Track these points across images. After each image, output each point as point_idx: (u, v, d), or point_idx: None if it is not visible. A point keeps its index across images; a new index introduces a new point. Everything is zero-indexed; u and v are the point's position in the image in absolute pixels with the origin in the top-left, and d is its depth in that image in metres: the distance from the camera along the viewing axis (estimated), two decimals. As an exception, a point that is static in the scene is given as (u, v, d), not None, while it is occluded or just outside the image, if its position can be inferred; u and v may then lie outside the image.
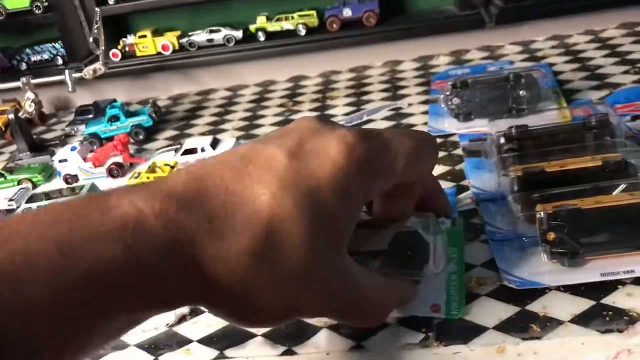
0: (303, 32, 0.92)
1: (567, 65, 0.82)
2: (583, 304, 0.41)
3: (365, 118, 0.77)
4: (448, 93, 0.68)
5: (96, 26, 0.83)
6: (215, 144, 0.71)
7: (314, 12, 0.91)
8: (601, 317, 0.39)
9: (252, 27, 0.94)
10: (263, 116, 0.85)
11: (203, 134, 0.82)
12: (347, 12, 0.90)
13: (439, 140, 0.67)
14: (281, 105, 0.87)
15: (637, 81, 0.73)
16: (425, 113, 0.75)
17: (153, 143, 0.83)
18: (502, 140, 0.56)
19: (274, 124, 0.82)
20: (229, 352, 0.42)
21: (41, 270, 0.27)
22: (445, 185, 0.58)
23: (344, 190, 0.33)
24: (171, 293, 0.31)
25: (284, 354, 0.41)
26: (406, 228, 0.42)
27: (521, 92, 0.67)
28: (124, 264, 0.28)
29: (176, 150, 0.72)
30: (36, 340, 0.27)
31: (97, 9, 0.84)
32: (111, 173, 0.71)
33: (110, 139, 0.79)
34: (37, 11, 0.95)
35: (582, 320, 0.39)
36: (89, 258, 0.28)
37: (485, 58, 0.90)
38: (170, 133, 0.85)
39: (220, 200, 0.31)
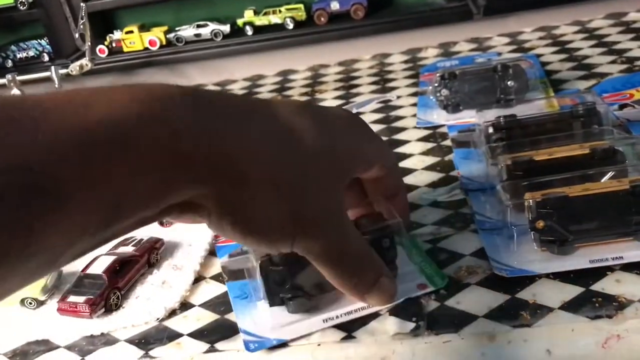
0: (291, 26, 0.91)
1: (554, 55, 0.82)
2: (572, 291, 0.41)
3: (354, 111, 0.77)
4: (436, 84, 0.68)
5: (81, 22, 0.82)
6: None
7: (301, 6, 0.91)
8: (590, 303, 0.39)
9: (240, 21, 0.93)
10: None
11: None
12: (335, 5, 0.90)
13: (428, 132, 0.67)
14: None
15: (623, 70, 0.73)
16: (414, 105, 0.75)
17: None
18: (490, 130, 0.56)
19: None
20: (219, 345, 0.42)
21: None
22: (435, 175, 0.58)
23: (354, 137, 0.40)
24: (186, 175, 0.31)
25: (275, 346, 0.41)
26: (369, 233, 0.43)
27: (509, 83, 0.67)
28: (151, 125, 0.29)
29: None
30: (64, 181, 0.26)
31: (82, 4, 0.84)
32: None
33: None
34: (21, 7, 0.94)
35: (572, 306, 0.39)
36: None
37: (474, 49, 0.91)
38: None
39: (239, 103, 0.36)
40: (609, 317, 0.38)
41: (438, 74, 0.69)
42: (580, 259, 0.43)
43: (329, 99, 0.83)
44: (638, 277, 0.41)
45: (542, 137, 0.53)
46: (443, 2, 0.92)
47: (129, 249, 0.51)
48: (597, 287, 0.41)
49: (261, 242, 0.36)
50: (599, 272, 0.42)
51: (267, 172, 0.33)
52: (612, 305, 0.39)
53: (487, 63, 0.72)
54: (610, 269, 0.42)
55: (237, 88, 0.94)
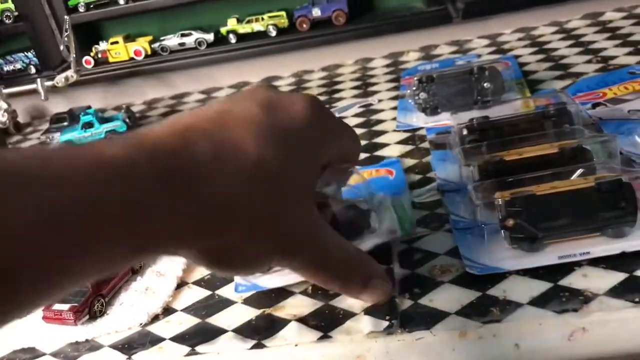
0: (273, 33, 0.92)
1: (532, 56, 0.83)
2: (541, 286, 0.42)
3: (337, 115, 0.78)
4: (414, 88, 0.69)
5: (66, 34, 0.83)
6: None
7: (283, 13, 0.92)
8: (558, 298, 0.41)
9: (223, 30, 0.94)
10: (236, 117, 0.86)
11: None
12: (316, 12, 0.91)
13: (407, 135, 0.69)
14: (254, 106, 0.88)
15: (598, 70, 0.74)
16: (395, 108, 0.76)
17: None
18: (464, 132, 0.57)
19: (247, 125, 0.82)
20: (199, 348, 0.43)
21: (28, 198, 0.26)
22: (413, 177, 0.59)
23: (313, 138, 0.37)
24: (159, 233, 0.31)
25: (253, 347, 0.43)
26: (341, 203, 0.44)
27: (485, 84, 0.68)
28: (114, 199, 0.29)
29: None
30: (14, 271, 0.26)
31: (66, 16, 0.85)
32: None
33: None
34: (7, 21, 0.95)
35: (540, 301, 0.41)
36: (79, 190, 0.28)
37: (454, 52, 0.92)
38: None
39: (206, 147, 0.32)
40: (575, 310, 0.39)
41: (416, 78, 0.70)
42: (549, 256, 0.44)
43: (312, 105, 0.84)
44: (604, 271, 0.42)
45: (514, 137, 0.55)
46: (423, 7, 0.93)
47: (112, 257, 0.52)
48: (564, 282, 0.42)
49: (239, 273, 0.40)
50: (567, 268, 0.43)
51: (241, 217, 0.33)
52: (578, 300, 0.40)
53: (465, 66, 0.73)
54: (578, 264, 0.43)
55: (223, 95, 0.96)
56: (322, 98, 0.85)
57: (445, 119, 0.68)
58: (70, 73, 0.86)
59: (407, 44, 0.95)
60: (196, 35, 0.94)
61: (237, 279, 0.47)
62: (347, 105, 0.81)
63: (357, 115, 0.78)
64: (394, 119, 0.73)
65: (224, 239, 0.33)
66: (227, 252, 0.34)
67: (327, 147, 0.39)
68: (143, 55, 0.95)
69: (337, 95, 0.85)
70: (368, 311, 0.43)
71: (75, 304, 0.47)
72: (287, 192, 0.35)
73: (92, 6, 0.94)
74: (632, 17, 0.88)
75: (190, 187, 0.31)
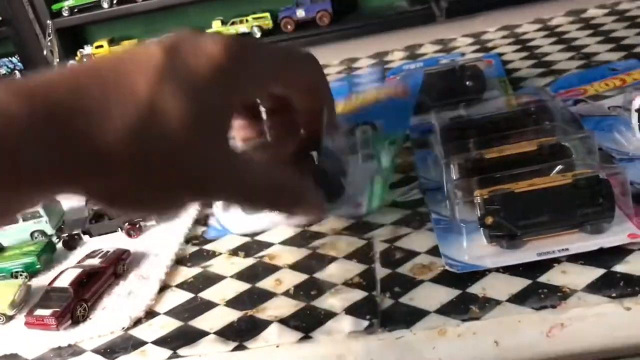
0: (258, 34, 0.93)
1: (515, 54, 0.84)
2: (520, 283, 0.42)
3: (320, 116, 0.78)
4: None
5: (49, 38, 0.83)
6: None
7: (267, 14, 0.92)
8: (536, 294, 0.41)
9: (208, 32, 0.95)
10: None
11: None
12: (301, 13, 0.91)
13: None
14: (239, 108, 0.88)
15: (581, 66, 0.75)
16: (379, 108, 0.77)
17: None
18: (445, 131, 0.57)
19: (232, 127, 0.83)
20: (181, 351, 0.43)
21: None
22: (396, 176, 0.59)
23: (221, 82, 0.34)
24: (37, 170, 0.30)
25: (235, 349, 0.43)
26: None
27: (467, 83, 0.68)
28: None
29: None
30: None
31: (48, 21, 0.85)
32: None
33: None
34: (-9, 26, 0.95)
35: (519, 298, 0.41)
36: None
37: (438, 51, 0.92)
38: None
39: (95, 90, 0.31)
40: (553, 307, 0.40)
41: (398, 77, 0.70)
42: (528, 252, 0.44)
43: (297, 105, 0.84)
44: (582, 267, 0.42)
45: (494, 135, 0.55)
46: (407, 6, 0.93)
47: (95, 261, 0.52)
48: (543, 278, 0.42)
49: (143, 215, 0.37)
50: (546, 264, 0.43)
51: (125, 161, 0.31)
52: (556, 296, 0.40)
53: (448, 65, 0.73)
54: (557, 260, 0.43)
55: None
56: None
57: (428, 118, 0.68)
58: (54, 77, 0.86)
59: (392, 44, 0.96)
60: (181, 37, 0.94)
61: (211, 223, 0.46)
62: (332, 106, 0.81)
63: (341, 115, 0.78)
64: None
65: (109, 181, 0.32)
66: (117, 194, 0.33)
67: (247, 84, 0.36)
68: (128, 59, 0.95)
69: (322, 96, 0.85)
70: (349, 311, 0.43)
71: (57, 309, 0.47)
72: (186, 135, 0.32)
73: (76, 10, 0.94)
74: (614, 13, 0.88)
75: (69, 125, 0.30)
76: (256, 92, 0.39)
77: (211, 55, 0.34)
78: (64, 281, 0.49)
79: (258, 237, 0.55)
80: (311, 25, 0.92)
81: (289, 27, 0.92)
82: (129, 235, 0.58)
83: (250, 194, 0.37)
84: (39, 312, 0.48)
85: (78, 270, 0.50)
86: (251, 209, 0.41)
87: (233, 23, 0.93)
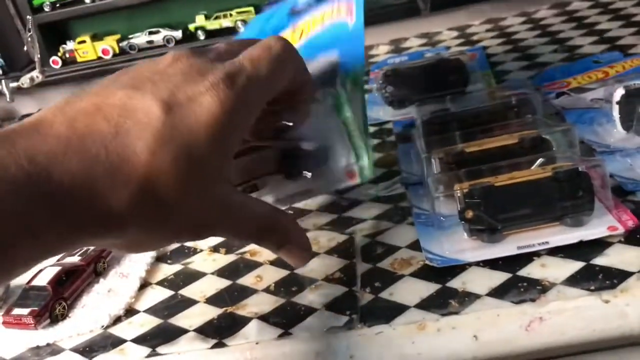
0: (242, 29, 0.92)
1: (499, 47, 0.84)
2: (500, 277, 0.42)
3: (304, 110, 0.78)
4: (381, 81, 0.69)
5: (29, 34, 0.82)
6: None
7: (251, 8, 0.92)
8: (516, 288, 0.41)
9: (191, 26, 0.94)
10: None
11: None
12: (285, 7, 0.91)
13: (375, 129, 0.69)
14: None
15: (564, 59, 0.75)
16: (363, 102, 0.76)
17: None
18: (427, 124, 0.57)
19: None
20: (160, 349, 0.43)
21: None
22: (378, 171, 0.59)
23: (220, 137, 0.35)
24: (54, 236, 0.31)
25: (214, 346, 0.42)
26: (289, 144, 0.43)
27: (450, 76, 0.68)
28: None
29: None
30: None
31: (29, 17, 0.84)
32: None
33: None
34: (-29, 22, 0.93)
35: (498, 292, 0.41)
36: None
37: (423, 44, 0.92)
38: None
39: (102, 159, 0.32)
40: (532, 300, 0.39)
41: (382, 71, 0.70)
42: (508, 246, 0.44)
43: (282, 100, 0.84)
44: (562, 261, 0.42)
45: (475, 128, 0.55)
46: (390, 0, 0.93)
47: (75, 259, 0.52)
48: (523, 272, 0.42)
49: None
50: (526, 258, 0.43)
51: (130, 225, 0.33)
52: (536, 289, 0.40)
53: (431, 58, 0.73)
54: (537, 254, 0.43)
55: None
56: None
57: (411, 113, 0.68)
58: (35, 74, 0.85)
59: (377, 38, 0.95)
60: (164, 32, 0.93)
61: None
62: (316, 100, 0.80)
63: (325, 110, 0.77)
64: (362, 113, 0.73)
65: (121, 239, 0.34)
66: (128, 245, 0.36)
67: (249, 118, 0.38)
68: (111, 54, 0.94)
69: (306, 91, 0.85)
70: (329, 307, 0.43)
71: (36, 308, 0.47)
72: (182, 195, 0.34)
73: (57, 5, 0.92)
74: (597, 6, 0.88)
75: (74, 192, 0.31)
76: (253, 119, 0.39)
77: (209, 112, 0.34)
78: (43, 280, 0.49)
79: (239, 233, 0.55)
80: (295, 19, 0.92)
81: (273, 21, 0.91)
82: (110, 232, 0.58)
83: (244, 234, 0.39)
84: (17, 311, 0.47)
85: (57, 269, 0.50)
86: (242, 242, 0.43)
87: (217, 17, 0.93)
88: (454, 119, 0.57)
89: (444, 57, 0.70)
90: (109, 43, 0.94)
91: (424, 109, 0.60)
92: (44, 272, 0.50)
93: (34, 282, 0.49)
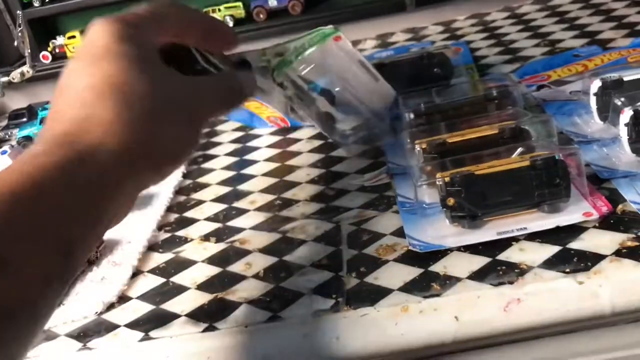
0: (230, 24, 0.93)
1: (483, 41, 0.85)
2: (480, 261, 0.44)
3: (292, 104, 0.79)
4: (366, 74, 0.71)
5: (19, 29, 0.83)
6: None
7: (239, 4, 0.93)
8: (495, 271, 0.43)
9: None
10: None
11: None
12: (273, 2, 0.92)
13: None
14: (213, 97, 0.89)
15: (546, 53, 0.76)
16: (350, 95, 0.78)
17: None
18: (412, 116, 0.59)
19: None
20: (153, 333, 0.45)
21: None
22: (365, 162, 0.61)
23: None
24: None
25: (205, 330, 0.44)
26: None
27: (435, 70, 0.70)
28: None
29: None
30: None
31: (18, 12, 0.84)
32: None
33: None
34: (-40, 17, 0.94)
35: (478, 276, 0.43)
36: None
37: (409, 39, 0.94)
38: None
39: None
40: (510, 283, 0.41)
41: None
42: (488, 232, 0.46)
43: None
44: (539, 245, 0.44)
45: (458, 120, 0.56)
46: (377, -5, 0.95)
47: (68, 249, 0.53)
48: (502, 256, 0.44)
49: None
50: (505, 243, 0.45)
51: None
52: (514, 272, 0.42)
53: (416, 52, 0.75)
54: (515, 239, 0.45)
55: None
56: (280, 87, 0.86)
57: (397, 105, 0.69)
58: (26, 68, 0.86)
59: (364, 33, 0.97)
60: (154, 27, 0.94)
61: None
62: (304, 94, 0.82)
63: (313, 103, 0.79)
64: (349, 106, 0.75)
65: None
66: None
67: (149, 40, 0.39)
68: (101, 49, 0.95)
69: (294, 84, 0.86)
70: (316, 291, 0.45)
71: (31, 296, 0.48)
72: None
73: (47, 0, 0.93)
74: (579, 1, 0.90)
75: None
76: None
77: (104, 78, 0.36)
78: (37, 268, 0.50)
79: (229, 223, 0.56)
80: (283, 14, 0.93)
81: (261, 16, 0.93)
82: (102, 223, 0.59)
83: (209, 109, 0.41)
84: (12, 298, 0.48)
85: (51, 258, 0.51)
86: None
87: (206, 13, 0.94)
88: (437, 111, 0.59)
89: (429, 51, 0.71)
90: (99, 38, 0.95)
91: (409, 102, 0.61)
92: (38, 261, 0.51)
93: (29, 271, 0.50)
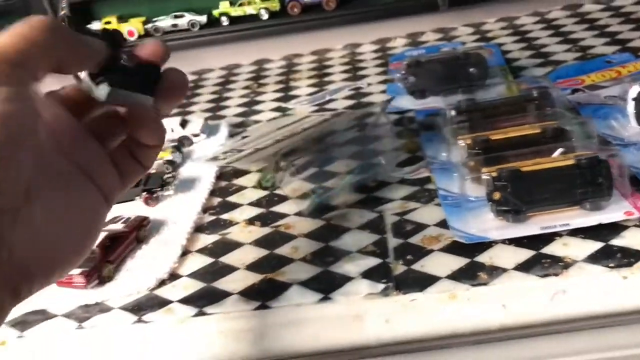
0: (265, 16, 0.95)
1: (514, 44, 0.87)
2: (524, 254, 0.46)
3: (327, 98, 0.81)
4: (403, 72, 0.73)
5: (62, 13, 0.84)
6: (184, 123, 0.74)
7: (275, -2, 0.94)
8: (540, 264, 0.44)
9: (215, 12, 0.96)
10: (229, 97, 0.88)
11: (173, 115, 0.84)
12: (308, -3, 0.94)
13: (396, 116, 0.72)
14: (246, 87, 0.91)
15: (577, 58, 0.78)
16: (384, 92, 0.80)
17: (122, 126, 0.85)
18: (453, 113, 0.60)
19: (239, 105, 0.85)
20: (207, 309, 0.46)
21: None
22: (404, 156, 0.62)
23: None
24: None
25: (258, 308, 0.45)
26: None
27: (470, 69, 0.71)
28: None
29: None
30: None
31: (62, -4, 0.86)
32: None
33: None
34: (-1, -1, 0.95)
35: (524, 267, 0.44)
36: None
37: (439, 39, 0.95)
38: (139, 116, 0.88)
39: None
40: (555, 275, 0.43)
41: (405, 62, 0.73)
42: (532, 226, 0.48)
43: (303, 87, 0.87)
44: (582, 241, 0.46)
45: (499, 118, 0.58)
46: (410, -6, 0.96)
47: (118, 226, 0.55)
48: (546, 250, 0.46)
49: None
50: (549, 238, 0.47)
51: None
52: (558, 265, 0.44)
53: (451, 52, 0.76)
54: (559, 234, 0.47)
55: (214, 77, 0.98)
56: (312, 81, 0.88)
57: (433, 102, 0.71)
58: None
59: (394, 31, 0.98)
60: (189, 17, 0.96)
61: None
62: (338, 89, 0.83)
63: (347, 97, 0.80)
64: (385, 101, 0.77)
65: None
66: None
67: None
68: (136, 36, 0.97)
69: (327, 79, 0.88)
70: (364, 275, 0.46)
71: (86, 269, 0.50)
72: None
73: (85, -14, 0.95)
74: (609, 9, 0.92)
75: None
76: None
77: None
78: (91, 243, 0.52)
79: (272, 208, 0.58)
80: (317, 9, 0.95)
81: (295, 10, 0.94)
82: (147, 204, 0.61)
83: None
84: (68, 271, 0.50)
85: (103, 234, 0.52)
86: None
87: (241, 4, 0.95)
88: (477, 109, 0.60)
89: (465, 51, 0.73)
90: (135, 25, 0.96)
91: (449, 99, 0.63)
92: (91, 236, 0.53)
93: (82, 246, 0.52)
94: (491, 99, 0.62)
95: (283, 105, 0.82)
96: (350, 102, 0.79)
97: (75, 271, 0.50)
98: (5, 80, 0.28)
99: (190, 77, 0.99)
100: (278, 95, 0.86)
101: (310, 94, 0.84)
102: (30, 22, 0.30)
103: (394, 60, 0.88)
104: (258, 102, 0.85)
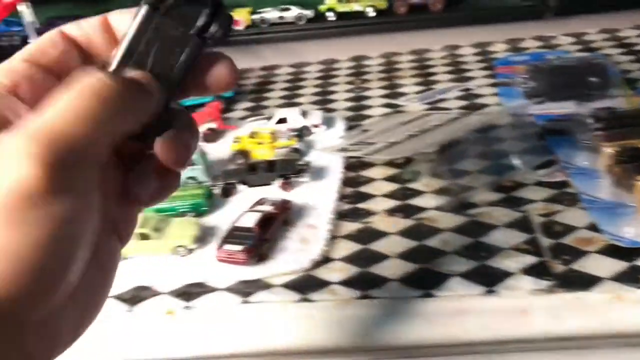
0: (372, 14, 0.96)
1: (622, 56, 0.88)
2: (684, 261, 0.47)
3: (437, 97, 0.83)
4: (526, 76, 0.74)
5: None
6: (304, 114, 0.76)
7: (383, -4, 0.96)
8: None
9: (322, 7, 0.98)
10: (333, 92, 0.90)
11: (280, 106, 0.87)
12: (415, -3, 0.95)
13: (511, 119, 0.73)
14: (350, 82, 0.92)
15: (692, 74, 0.79)
16: (494, 94, 0.81)
17: (233, 112, 0.88)
18: (590, 120, 0.61)
19: (346, 99, 0.87)
20: (371, 293, 0.48)
21: None
22: (533, 159, 0.64)
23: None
24: None
25: (422, 296, 0.47)
26: None
27: (592, 78, 0.72)
28: None
29: (268, 119, 0.78)
30: None
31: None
32: (205, 138, 0.76)
33: (197, 106, 0.83)
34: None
35: (690, 273, 0.45)
36: None
37: (540, 47, 0.96)
38: (246, 104, 0.90)
39: None
40: None
41: (527, 67, 0.74)
42: (688, 235, 0.49)
43: (409, 85, 0.88)
44: None
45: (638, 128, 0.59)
46: (517, 1, 0.97)
47: (268, 208, 0.57)
48: None
49: None
50: None
51: None
52: None
53: (570, 59, 0.78)
54: None
55: (313, 70, 1.00)
56: (417, 80, 0.90)
57: (552, 107, 0.72)
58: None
59: (494, 35, 0.99)
60: (296, 10, 0.98)
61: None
62: (447, 88, 0.85)
63: (458, 98, 0.82)
64: (497, 104, 0.78)
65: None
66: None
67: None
68: (243, 26, 0.99)
69: (432, 78, 0.90)
70: (525, 272, 0.48)
71: (247, 246, 0.52)
72: None
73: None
74: None
75: None
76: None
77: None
78: (247, 222, 0.54)
79: (411, 202, 0.60)
80: (424, 9, 0.96)
81: (402, 9, 0.96)
82: (284, 189, 0.63)
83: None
84: (228, 247, 0.52)
85: (258, 214, 0.55)
86: None
87: (348, 0, 0.97)
88: (614, 117, 0.61)
89: (589, 60, 0.74)
90: (242, 15, 0.99)
91: (584, 106, 0.64)
92: (245, 216, 0.55)
93: (238, 223, 0.54)
94: (629, 109, 0.63)
95: (392, 102, 0.84)
96: (462, 103, 0.80)
97: (237, 247, 0.52)
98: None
99: (289, 70, 1.01)
100: (384, 92, 0.87)
101: (418, 92, 0.85)
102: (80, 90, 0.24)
103: (499, 64, 0.89)
104: (365, 98, 0.86)
